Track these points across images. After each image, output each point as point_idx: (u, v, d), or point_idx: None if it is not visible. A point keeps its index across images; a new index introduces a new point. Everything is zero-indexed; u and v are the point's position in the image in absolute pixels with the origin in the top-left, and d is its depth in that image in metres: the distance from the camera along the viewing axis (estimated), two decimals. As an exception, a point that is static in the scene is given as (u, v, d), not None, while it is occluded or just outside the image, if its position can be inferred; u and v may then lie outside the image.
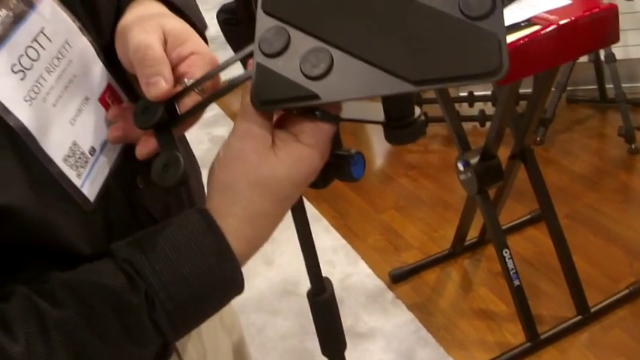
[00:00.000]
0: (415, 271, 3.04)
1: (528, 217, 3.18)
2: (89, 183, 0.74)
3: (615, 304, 2.66)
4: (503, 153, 2.53)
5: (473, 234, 3.10)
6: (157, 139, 0.75)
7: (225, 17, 4.94)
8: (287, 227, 3.07)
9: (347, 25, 0.68)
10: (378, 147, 4.37)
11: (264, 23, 0.73)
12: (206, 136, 4.99)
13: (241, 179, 0.72)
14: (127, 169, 0.80)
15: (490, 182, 2.48)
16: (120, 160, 0.79)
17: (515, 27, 1.74)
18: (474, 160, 2.43)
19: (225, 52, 6.15)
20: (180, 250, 0.70)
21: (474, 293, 2.88)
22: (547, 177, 2.59)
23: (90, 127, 0.76)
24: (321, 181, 0.80)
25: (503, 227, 2.96)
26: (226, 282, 0.74)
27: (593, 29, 1.77)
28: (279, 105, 0.71)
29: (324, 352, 0.95)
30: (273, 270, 3.28)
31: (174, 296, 0.69)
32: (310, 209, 3.69)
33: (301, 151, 0.72)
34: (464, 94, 4.29)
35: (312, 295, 0.95)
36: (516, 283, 2.44)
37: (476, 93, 4.20)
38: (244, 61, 0.77)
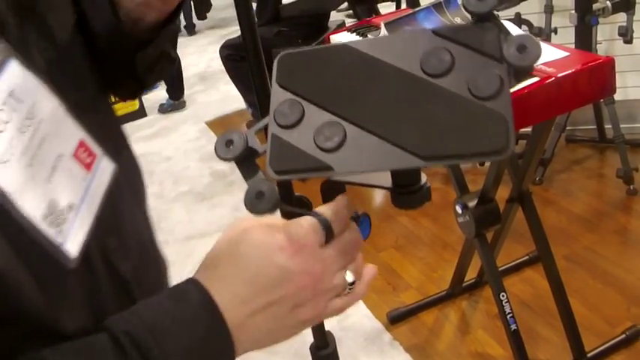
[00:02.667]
0: (413, 312, 3.05)
1: (526, 258, 3.19)
2: (69, 240, 0.73)
3: (612, 349, 2.66)
4: (503, 193, 2.54)
5: (471, 274, 3.10)
6: (240, 169, 0.78)
7: (228, 53, 4.98)
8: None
9: (360, 101, 0.71)
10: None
11: (279, 96, 0.75)
12: (207, 170, 5.02)
13: (224, 260, 0.73)
14: (102, 228, 0.79)
15: (488, 226, 2.49)
16: (96, 218, 0.78)
17: (514, 79, 1.76)
18: (472, 204, 2.44)
19: (227, 86, 6.18)
20: (180, 324, 0.69)
21: (472, 336, 2.89)
22: (546, 217, 2.61)
23: (66, 184, 0.75)
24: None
25: (501, 268, 2.97)
26: (221, 355, 0.72)
27: (591, 82, 1.79)
28: (294, 175, 0.73)
29: None
30: (272, 308, 3.28)
31: None
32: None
33: (273, 227, 0.74)
34: (464, 132, 4.31)
35: (315, 350, 0.97)
36: (513, 327, 2.44)
37: (476, 132, 4.22)
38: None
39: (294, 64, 0.76)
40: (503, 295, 2.44)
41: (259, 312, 0.71)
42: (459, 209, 2.46)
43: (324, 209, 0.75)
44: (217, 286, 0.71)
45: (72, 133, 0.77)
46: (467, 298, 3.12)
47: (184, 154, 5.47)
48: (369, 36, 2.32)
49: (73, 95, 0.78)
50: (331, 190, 0.81)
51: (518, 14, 3.88)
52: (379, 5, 4.98)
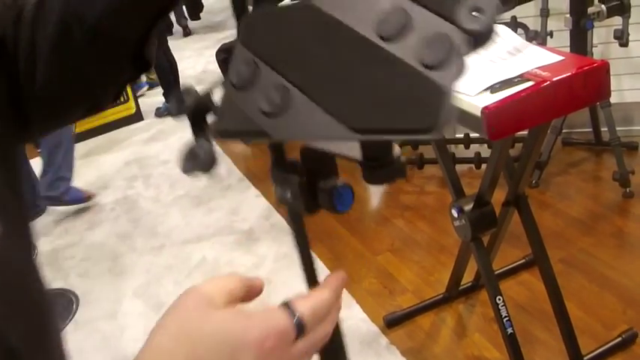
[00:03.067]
0: (410, 315, 3.05)
1: (523, 261, 3.20)
2: None
3: (608, 352, 2.66)
4: (499, 196, 2.54)
5: (468, 278, 3.10)
6: (191, 125, 0.73)
7: (225, 57, 4.97)
8: (283, 268, 3.10)
9: (310, 65, 0.65)
10: (374, 187, 4.38)
11: (238, 55, 0.71)
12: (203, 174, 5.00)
13: (171, 346, 0.65)
14: None
15: (484, 229, 2.49)
16: None
17: (509, 83, 1.76)
18: (468, 207, 2.44)
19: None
20: None
21: (468, 339, 2.89)
22: (542, 220, 2.61)
23: None
24: (306, 208, 0.79)
25: (498, 271, 2.97)
26: None
27: (586, 86, 1.79)
28: (235, 137, 0.70)
29: None
30: (268, 313, 3.27)
31: None
32: (306, 251, 3.69)
33: (240, 316, 0.67)
34: (460, 135, 4.32)
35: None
36: (509, 330, 2.44)
37: (472, 135, 4.22)
38: None
39: (259, 24, 0.72)
40: (499, 299, 2.44)
41: None
42: (454, 213, 2.46)
43: (304, 304, 0.69)
44: None
45: None
46: (463, 301, 3.12)
47: (181, 157, 5.46)
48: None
49: None
50: (311, 157, 0.77)
51: (514, 17, 3.89)
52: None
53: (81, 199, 4.87)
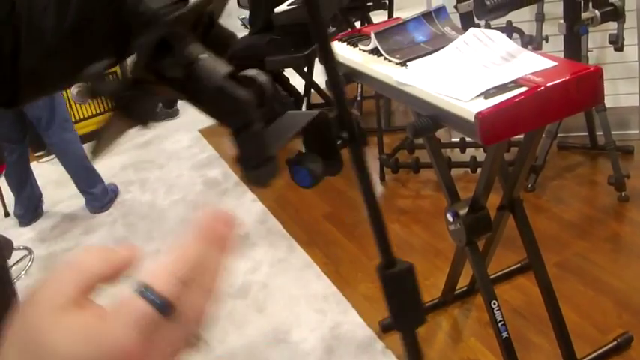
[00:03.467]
0: (405, 320, 3.03)
1: (518, 265, 3.20)
2: None
3: (603, 356, 2.67)
4: (494, 200, 2.55)
5: (463, 282, 3.11)
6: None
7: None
8: (279, 273, 3.11)
9: None
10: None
11: None
12: (199, 179, 5.03)
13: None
14: None
15: (479, 234, 2.50)
16: None
17: (502, 88, 1.77)
18: (463, 212, 2.45)
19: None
20: None
21: (464, 344, 2.89)
22: (537, 224, 2.61)
23: None
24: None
25: (493, 276, 2.98)
26: None
27: (579, 91, 1.80)
28: None
29: (396, 325, 0.95)
30: (264, 318, 3.30)
31: None
32: (302, 255, 3.72)
33: (94, 318, 0.52)
34: (456, 139, 4.33)
35: (382, 269, 0.96)
36: (504, 334, 2.45)
37: (468, 139, 4.23)
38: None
39: None
40: (494, 303, 2.45)
41: None
42: (450, 217, 2.47)
43: (162, 278, 0.54)
44: None
45: None
46: (459, 305, 3.13)
47: (177, 162, 5.47)
48: (359, 46, 2.33)
49: None
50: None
51: (509, 22, 3.90)
52: (371, 13, 5.00)
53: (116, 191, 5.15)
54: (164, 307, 0.52)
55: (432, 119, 1.85)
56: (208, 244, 0.57)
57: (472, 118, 1.66)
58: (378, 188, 4.35)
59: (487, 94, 1.74)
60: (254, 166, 0.77)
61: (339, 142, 0.97)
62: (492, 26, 3.62)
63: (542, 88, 1.74)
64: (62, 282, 0.53)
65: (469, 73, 1.88)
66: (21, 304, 0.52)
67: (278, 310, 3.33)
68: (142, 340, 0.50)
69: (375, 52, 2.21)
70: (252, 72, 0.78)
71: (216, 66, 0.75)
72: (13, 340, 0.51)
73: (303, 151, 0.91)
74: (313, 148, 0.85)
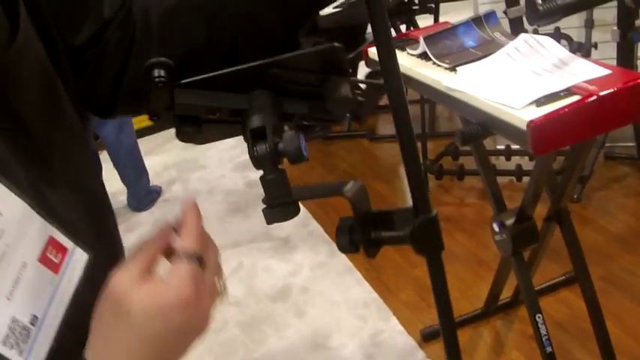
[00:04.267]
0: (447, 329, 2.98)
1: (563, 278, 3.14)
2: (33, 357, 0.73)
3: (649, 373, 2.61)
4: (540, 210, 2.49)
5: (506, 293, 3.05)
6: None
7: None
8: (320, 277, 3.07)
9: None
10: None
11: None
12: (241, 180, 5.01)
13: (112, 327, 0.72)
14: (71, 334, 0.79)
15: (525, 245, 2.44)
16: (63, 328, 0.78)
17: (554, 96, 1.72)
18: (510, 222, 2.40)
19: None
20: None
21: (506, 357, 2.84)
22: (583, 236, 2.56)
23: (30, 294, 0.73)
24: None
25: (537, 288, 2.91)
26: None
27: (633, 101, 1.75)
28: None
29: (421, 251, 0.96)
30: (304, 322, 3.27)
31: None
32: (343, 260, 3.68)
33: (158, 286, 0.73)
34: (501, 147, 4.27)
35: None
36: (548, 349, 2.39)
37: (513, 147, 4.17)
38: None
39: None
40: (539, 317, 2.40)
41: None
42: (496, 227, 2.42)
43: (189, 242, 0.78)
44: None
45: (40, 232, 0.76)
46: (502, 317, 3.07)
47: (219, 163, 5.46)
48: (407, 50, 2.29)
49: (36, 174, 0.78)
50: None
51: (557, 29, 3.83)
52: (417, 17, 4.95)
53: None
54: (200, 259, 0.76)
55: (481, 126, 1.81)
56: (197, 216, 0.82)
57: (524, 127, 1.62)
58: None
59: (539, 102, 1.69)
60: (270, 206, 0.86)
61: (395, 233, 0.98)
62: (540, 32, 3.57)
63: (595, 97, 1.69)
64: (134, 260, 0.75)
65: (520, 80, 1.83)
66: (109, 278, 0.73)
67: (318, 315, 3.31)
68: (195, 290, 0.73)
69: (423, 56, 2.17)
70: (286, 134, 0.84)
71: (253, 119, 0.85)
72: (104, 306, 0.73)
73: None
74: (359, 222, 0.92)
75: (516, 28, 2.93)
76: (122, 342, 0.71)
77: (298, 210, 0.85)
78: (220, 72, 0.84)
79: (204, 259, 0.77)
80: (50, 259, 0.77)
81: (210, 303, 0.78)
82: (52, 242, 0.77)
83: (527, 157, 4.17)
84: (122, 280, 0.73)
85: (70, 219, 0.81)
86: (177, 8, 0.92)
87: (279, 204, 0.84)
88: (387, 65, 0.87)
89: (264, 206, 0.86)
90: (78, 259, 0.80)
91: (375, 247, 0.94)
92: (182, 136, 0.86)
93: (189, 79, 0.84)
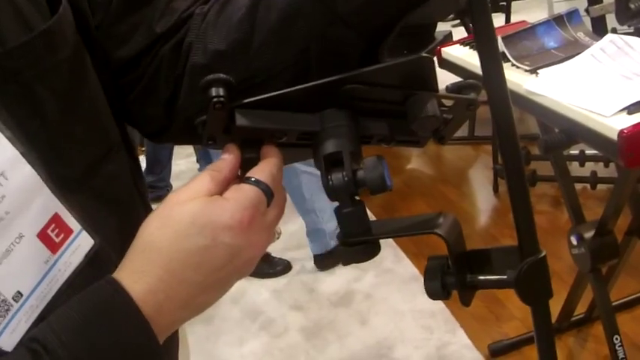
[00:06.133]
0: (516, 345, 2.87)
1: (640, 295, 2.98)
2: (8, 333, 0.67)
3: None
4: (619, 223, 2.35)
5: (580, 309, 2.90)
6: None
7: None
8: (384, 284, 2.95)
9: None
10: (482, 204, 4.23)
11: None
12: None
13: (155, 233, 0.69)
14: None
15: (605, 260, 2.32)
16: (48, 312, 0.70)
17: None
18: (589, 235, 2.27)
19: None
20: (88, 319, 0.64)
21: (580, 376, 2.70)
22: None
23: (19, 269, 0.68)
24: None
25: (613, 304, 2.77)
26: (142, 348, 0.66)
27: None
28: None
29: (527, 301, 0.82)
30: (367, 330, 3.17)
31: None
32: (409, 266, 3.57)
33: (215, 199, 0.70)
34: (575, 152, 4.10)
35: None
36: (627, 373, 2.26)
37: (587, 152, 4.00)
38: None
39: None
40: (616, 338, 2.26)
41: (203, 291, 0.70)
42: (574, 240, 2.29)
43: (262, 173, 0.73)
44: (149, 276, 0.67)
45: (45, 206, 0.71)
46: (574, 334, 2.91)
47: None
48: (483, 50, 2.17)
49: (60, 169, 0.74)
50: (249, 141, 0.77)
51: (638, 29, 3.66)
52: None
53: None
54: (269, 193, 0.72)
55: (565, 134, 1.68)
56: (276, 156, 0.76)
57: (614, 137, 1.49)
58: (491, 200, 4.18)
59: (630, 109, 1.56)
60: (343, 243, 0.76)
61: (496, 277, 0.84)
62: (618, 32, 3.41)
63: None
64: (198, 181, 0.71)
65: (608, 85, 1.70)
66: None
67: (382, 324, 3.20)
68: (250, 218, 0.69)
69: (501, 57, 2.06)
70: (368, 161, 0.76)
71: (326, 144, 0.76)
72: (152, 217, 0.70)
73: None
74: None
75: (599, 28, 2.79)
76: (163, 251, 0.67)
77: (379, 249, 0.76)
78: (289, 90, 0.75)
79: (274, 195, 0.73)
80: (50, 237, 0.72)
81: (265, 240, 0.73)
82: (56, 220, 0.72)
83: (601, 164, 4.01)
84: (179, 195, 0.70)
85: (86, 206, 0.77)
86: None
87: (358, 243, 0.75)
88: (490, 74, 0.73)
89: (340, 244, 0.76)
90: (82, 243, 0.74)
91: (471, 293, 0.81)
92: (243, 164, 0.76)
93: (253, 98, 0.74)
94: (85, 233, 0.74)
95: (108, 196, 0.82)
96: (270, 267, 3.72)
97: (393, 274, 3.56)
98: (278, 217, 0.75)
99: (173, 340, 0.95)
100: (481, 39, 0.72)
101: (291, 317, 3.32)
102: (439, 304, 3.21)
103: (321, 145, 0.75)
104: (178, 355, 1.00)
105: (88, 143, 0.79)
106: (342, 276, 3.61)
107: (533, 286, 0.79)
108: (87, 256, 0.74)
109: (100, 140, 0.83)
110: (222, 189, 0.71)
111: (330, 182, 0.72)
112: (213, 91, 0.70)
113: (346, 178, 0.72)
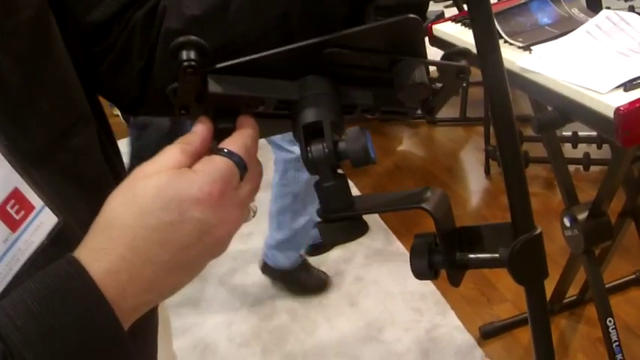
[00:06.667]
0: (508, 327, 2.85)
1: (633, 276, 2.95)
2: None
3: None
4: (613, 205, 2.33)
5: (572, 291, 2.87)
6: None
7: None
8: (374, 265, 2.90)
9: None
10: (474, 186, 4.19)
11: None
12: (297, 162, 4.88)
13: (118, 209, 0.63)
14: None
15: (598, 242, 2.29)
16: (6, 294, 0.64)
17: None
18: (582, 216, 2.24)
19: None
20: (44, 301, 0.59)
21: (571, 359, 2.67)
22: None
23: None
24: None
25: (605, 286, 2.74)
26: (102, 332, 0.60)
27: None
28: None
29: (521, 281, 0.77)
30: (357, 312, 3.14)
31: (42, 353, 0.57)
32: (399, 248, 3.55)
33: (182, 172, 0.64)
34: (567, 133, 4.06)
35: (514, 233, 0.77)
36: (619, 357, 2.23)
37: (581, 133, 3.97)
38: None
39: None
40: (610, 321, 2.24)
41: (171, 271, 0.64)
42: (567, 222, 2.26)
43: (236, 145, 0.68)
44: (111, 255, 0.61)
45: (4, 180, 0.66)
46: (566, 317, 2.89)
47: (268, 147, 5.35)
48: (476, 27, 2.13)
49: (22, 143, 0.69)
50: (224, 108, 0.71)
51: (631, 7, 3.61)
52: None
53: None
54: (242, 166, 0.67)
55: (559, 112, 1.64)
56: (253, 128, 0.71)
57: (610, 114, 1.45)
58: (483, 182, 4.14)
59: (627, 86, 1.52)
60: (325, 220, 0.71)
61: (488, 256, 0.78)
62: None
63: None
64: (167, 153, 0.66)
65: (604, 62, 1.67)
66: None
67: (372, 306, 3.16)
68: (220, 191, 0.64)
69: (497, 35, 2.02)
70: (350, 131, 0.70)
71: (306, 112, 0.71)
72: (116, 192, 0.65)
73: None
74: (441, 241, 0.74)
75: (594, 4, 2.74)
76: (126, 227, 0.62)
77: (365, 228, 0.71)
78: (266, 53, 0.70)
79: (247, 168, 0.68)
80: (10, 213, 0.67)
81: (237, 217, 0.67)
82: (16, 195, 0.68)
83: (594, 145, 3.98)
84: (145, 168, 0.65)
85: (51, 182, 0.72)
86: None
87: (340, 219, 0.70)
88: (486, 51, 0.69)
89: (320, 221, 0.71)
90: (44, 221, 0.69)
91: (461, 272, 0.76)
92: (216, 135, 0.70)
93: (226, 62, 0.69)
94: (47, 210, 0.69)
95: (75, 171, 0.77)
96: (308, 278, 3.40)
97: (383, 256, 3.52)
98: (252, 192, 0.70)
99: (149, 323, 0.90)
100: (476, 16, 0.68)
101: (280, 299, 3.27)
102: (430, 286, 3.18)
103: (299, 115, 0.70)
104: (157, 338, 0.95)
105: (53, 115, 0.74)
106: (331, 258, 3.57)
107: (527, 265, 0.75)
108: (50, 234, 0.69)
109: (66, 112, 0.78)
110: (192, 162, 0.66)
111: (310, 154, 0.68)
112: (184, 55, 0.65)
113: (327, 150, 0.67)
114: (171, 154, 0.66)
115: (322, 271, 3.40)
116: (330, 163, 0.68)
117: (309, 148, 0.68)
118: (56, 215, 0.70)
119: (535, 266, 0.75)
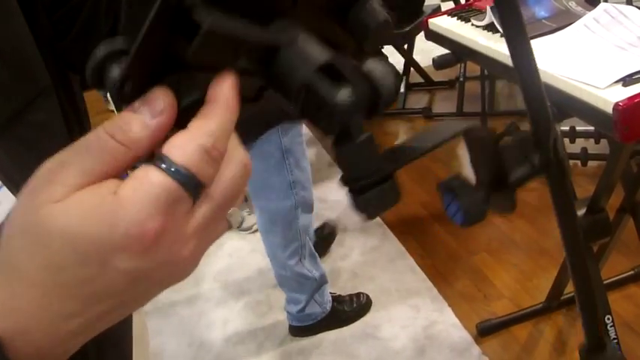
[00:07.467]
0: (505, 324, 2.83)
1: (631, 273, 2.93)
2: None
3: None
4: (611, 201, 2.30)
5: (570, 287, 2.84)
6: None
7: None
8: (371, 262, 2.88)
9: None
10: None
11: None
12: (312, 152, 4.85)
13: (20, 257, 0.46)
14: None
15: (596, 238, 2.25)
16: None
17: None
18: (580, 212, 2.21)
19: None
20: None
21: (569, 357, 2.64)
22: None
23: None
24: None
25: (604, 282, 2.72)
26: None
27: None
28: None
29: None
30: (352, 309, 3.11)
31: None
32: (396, 245, 3.52)
33: (101, 204, 0.44)
34: (564, 128, 4.04)
35: (586, 352, 0.74)
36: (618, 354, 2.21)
37: (578, 128, 3.95)
38: None
39: None
40: (608, 318, 2.21)
41: (99, 319, 0.48)
42: (564, 218, 2.23)
43: (187, 148, 0.45)
44: (18, 314, 0.46)
45: None
46: (564, 313, 2.86)
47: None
48: (472, 21, 2.10)
49: None
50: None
51: (629, 0, 3.60)
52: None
53: None
54: (188, 180, 0.45)
55: (557, 108, 1.61)
56: (226, 110, 0.47)
57: (609, 110, 1.42)
58: (480, 177, 4.12)
59: (625, 81, 1.49)
60: (360, 189, 0.54)
61: (523, 168, 0.74)
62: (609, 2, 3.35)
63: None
64: (83, 153, 0.46)
65: (602, 56, 1.64)
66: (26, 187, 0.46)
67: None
68: (158, 229, 0.44)
69: (489, 27, 2.00)
70: (372, 64, 0.52)
71: (309, 54, 0.50)
72: (16, 222, 0.46)
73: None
74: (479, 173, 0.62)
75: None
76: (33, 284, 0.45)
77: (398, 194, 0.57)
78: None
79: (204, 184, 0.46)
80: None
81: (195, 248, 0.48)
82: None
83: (592, 140, 3.95)
84: (48, 187, 0.45)
85: (17, 169, 0.63)
86: None
87: (373, 183, 0.54)
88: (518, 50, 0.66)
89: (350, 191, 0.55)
90: (2, 200, 0.64)
91: (512, 196, 0.71)
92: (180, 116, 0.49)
93: None
94: (5, 190, 0.65)
95: (36, 147, 0.68)
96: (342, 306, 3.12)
97: (380, 253, 3.50)
98: (219, 210, 0.49)
99: (122, 330, 0.86)
100: (509, 23, 0.66)
101: (276, 297, 3.25)
102: (426, 284, 3.16)
103: (302, 58, 0.50)
104: (132, 344, 0.91)
105: (11, 88, 0.70)
106: (327, 256, 3.55)
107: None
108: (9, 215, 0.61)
109: (27, 86, 0.73)
110: (121, 170, 0.47)
111: (336, 102, 0.49)
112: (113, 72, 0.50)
113: (360, 92, 0.50)
114: (88, 163, 0.46)
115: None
116: (362, 109, 0.51)
117: (334, 94, 0.49)
118: (14, 195, 0.64)
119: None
